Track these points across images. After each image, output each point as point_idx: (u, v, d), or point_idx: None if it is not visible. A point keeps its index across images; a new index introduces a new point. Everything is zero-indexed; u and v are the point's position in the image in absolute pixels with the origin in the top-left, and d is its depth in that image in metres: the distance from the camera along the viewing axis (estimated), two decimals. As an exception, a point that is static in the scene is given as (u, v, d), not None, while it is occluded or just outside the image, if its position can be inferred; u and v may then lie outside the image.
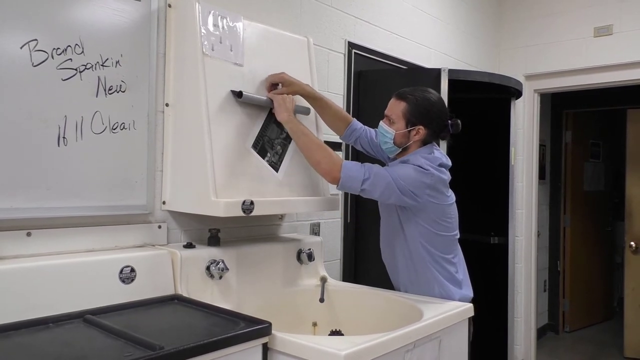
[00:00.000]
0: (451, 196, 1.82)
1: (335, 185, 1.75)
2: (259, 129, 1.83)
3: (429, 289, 1.79)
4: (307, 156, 1.80)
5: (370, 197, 1.75)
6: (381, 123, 1.84)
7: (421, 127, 1.78)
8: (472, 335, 1.83)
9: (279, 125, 1.89)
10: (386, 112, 1.84)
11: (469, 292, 1.85)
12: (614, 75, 3.65)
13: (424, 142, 1.82)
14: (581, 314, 5.14)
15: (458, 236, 1.87)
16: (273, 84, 1.88)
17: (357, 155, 2.58)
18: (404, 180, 1.69)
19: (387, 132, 1.81)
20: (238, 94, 1.74)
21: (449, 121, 1.83)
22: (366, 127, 2.07)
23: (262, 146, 1.82)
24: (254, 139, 1.80)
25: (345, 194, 2.55)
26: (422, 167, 1.72)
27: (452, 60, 3.46)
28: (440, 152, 1.87)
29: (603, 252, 5.41)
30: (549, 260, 5.13)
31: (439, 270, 1.79)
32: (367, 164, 1.75)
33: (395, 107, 1.81)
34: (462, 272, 1.86)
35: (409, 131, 1.79)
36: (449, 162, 1.86)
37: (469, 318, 1.83)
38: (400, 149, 1.83)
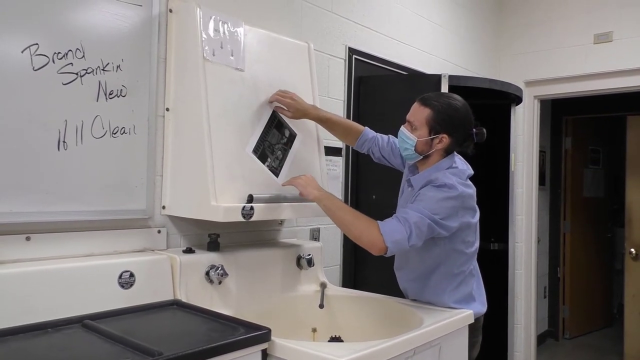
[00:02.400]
0: (477, 211, 1.75)
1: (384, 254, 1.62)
2: (260, 134, 1.83)
3: (439, 302, 1.74)
4: (345, 232, 1.69)
5: (417, 247, 1.64)
6: (402, 128, 1.76)
7: (445, 135, 1.69)
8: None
9: (280, 130, 1.89)
10: (408, 117, 1.75)
11: (482, 307, 1.78)
12: (614, 82, 3.66)
13: (447, 151, 1.73)
14: (581, 320, 5.13)
15: (477, 248, 1.79)
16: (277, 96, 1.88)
17: (357, 159, 2.58)
18: (437, 213, 1.59)
19: (408, 139, 1.73)
20: (249, 198, 1.68)
21: (474, 130, 1.74)
22: (377, 135, 2.03)
23: (263, 151, 1.82)
24: (254, 144, 1.80)
25: (345, 197, 2.55)
26: (454, 187, 1.62)
27: (451, 66, 3.46)
28: (461, 160, 1.80)
29: (603, 258, 5.41)
30: (549, 266, 5.13)
31: (451, 283, 1.73)
32: (402, 214, 1.60)
33: (419, 113, 1.72)
34: (477, 285, 1.79)
35: (432, 139, 1.70)
36: (472, 171, 1.78)
37: (481, 327, 1.81)
38: (422, 157, 1.75)
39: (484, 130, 1.75)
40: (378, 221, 1.61)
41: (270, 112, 1.89)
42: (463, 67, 3.61)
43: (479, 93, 2.89)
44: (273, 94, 1.89)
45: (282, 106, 1.89)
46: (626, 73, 3.58)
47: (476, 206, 1.75)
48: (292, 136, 1.96)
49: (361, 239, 1.61)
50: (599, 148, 5.45)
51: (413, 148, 1.73)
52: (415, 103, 1.76)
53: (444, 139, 1.70)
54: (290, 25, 2.28)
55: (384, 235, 1.57)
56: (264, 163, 1.81)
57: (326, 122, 1.99)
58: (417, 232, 1.57)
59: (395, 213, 1.70)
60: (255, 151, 1.80)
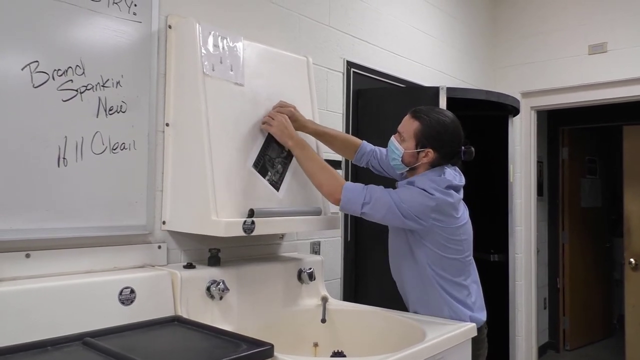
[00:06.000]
0: (462, 217, 1.76)
1: (338, 207, 1.77)
2: (260, 148, 1.83)
3: (439, 311, 1.75)
4: (310, 178, 1.82)
5: (372, 220, 1.74)
6: (392, 138, 1.81)
7: (430, 150, 1.73)
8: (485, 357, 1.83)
9: (280, 144, 1.89)
10: (399, 128, 1.80)
11: (481, 316, 1.79)
12: (609, 92, 3.69)
13: (433, 165, 1.76)
14: (581, 331, 5.11)
15: (471, 258, 1.80)
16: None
17: (357, 172, 2.58)
18: (407, 203, 1.66)
19: (396, 149, 1.78)
20: (250, 213, 1.68)
21: (462, 148, 1.77)
22: (376, 147, 2.05)
23: (263, 165, 1.82)
24: (254, 158, 1.80)
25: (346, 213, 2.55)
26: (426, 191, 1.67)
27: (448, 78, 3.49)
28: (453, 170, 1.82)
29: (602, 268, 5.40)
30: (548, 277, 5.12)
31: (449, 293, 1.74)
32: (371, 187, 1.73)
33: (408, 125, 1.77)
34: (475, 295, 1.80)
35: (418, 152, 1.75)
36: (462, 182, 1.80)
37: (485, 339, 1.82)
38: (409, 168, 1.79)
39: (473, 149, 1.78)
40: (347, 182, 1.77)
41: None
42: (460, 79, 3.64)
43: (477, 105, 2.91)
44: (273, 107, 1.89)
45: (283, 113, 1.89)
46: (621, 83, 3.61)
47: (461, 216, 1.75)
48: (292, 150, 1.95)
49: (323, 186, 1.78)
50: (595, 158, 5.48)
51: (400, 159, 1.78)
52: (407, 115, 1.80)
53: (429, 154, 1.74)
54: (288, 40, 2.29)
55: (344, 190, 1.72)
56: (264, 177, 1.81)
57: (323, 135, 2.01)
58: (375, 204, 1.68)
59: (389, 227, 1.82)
60: (255, 165, 1.79)
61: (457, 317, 1.73)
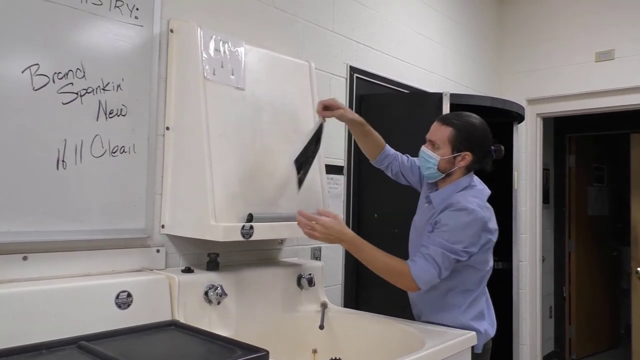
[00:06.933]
0: (497, 230, 1.77)
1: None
2: (304, 146, 1.82)
3: (449, 320, 1.73)
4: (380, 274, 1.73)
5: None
6: (423, 148, 1.78)
7: (467, 153, 1.72)
8: None
9: (313, 143, 1.87)
10: (429, 136, 1.78)
11: (490, 329, 1.78)
12: (617, 99, 3.65)
13: (467, 169, 1.76)
14: (587, 341, 5.05)
15: (490, 269, 1.80)
16: (325, 107, 1.86)
17: (359, 180, 2.57)
18: (460, 242, 1.63)
19: (430, 158, 1.75)
20: (249, 217, 1.67)
21: (492, 147, 1.78)
22: (397, 152, 2.05)
23: (301, 163, 1.80)
24: (297, 155, 1.79)
25: (346, 215, 2.54)
26: (474, 211, 1.65)
27: (453, 84, 3.47)
28: (479, 181, 1.82)
29: (609, 277, 5.34)
30: (554, 285, 5.07)
31: (467, 302, 1.73)
32: (426, 252, 1.64)
33: (440, 132, 1.75)
34: (486, 304, 1.80)
35: (454, 157, 1.73)
36: (489, 190, 1.81)
37: (489, 351, 1.81)
38: (444, 175, 1.77)
39: (502, 147, 1.80)
40: (408, 262, 1.66)
41: (317, 126, 1.86)
42: (464, 85, 3.62)
43: (481, 111, 2.85)
44: (317, 111, 1.87)
45: (328, 105, 1.87)
46: (629, 91, 3.58)
47: (496, 226, 1.77)
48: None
49: (397, 284, 1.69)
50: (602, 166, 5.44)
51: (436, 167, 1.75)
52: (435, 123, 1.79)
53: (467, 157, 1.73)
54: (291, 44, 2.29)
55: (416, 279, 1.63)
56: (297, 174, 1.79)
57: (362, 126, 1.96)
58: (444, 266, 1.63)
59: (411, 232, 1.85)
60: (297, 161, 1.78)
61: (470, 328, 1.71)
